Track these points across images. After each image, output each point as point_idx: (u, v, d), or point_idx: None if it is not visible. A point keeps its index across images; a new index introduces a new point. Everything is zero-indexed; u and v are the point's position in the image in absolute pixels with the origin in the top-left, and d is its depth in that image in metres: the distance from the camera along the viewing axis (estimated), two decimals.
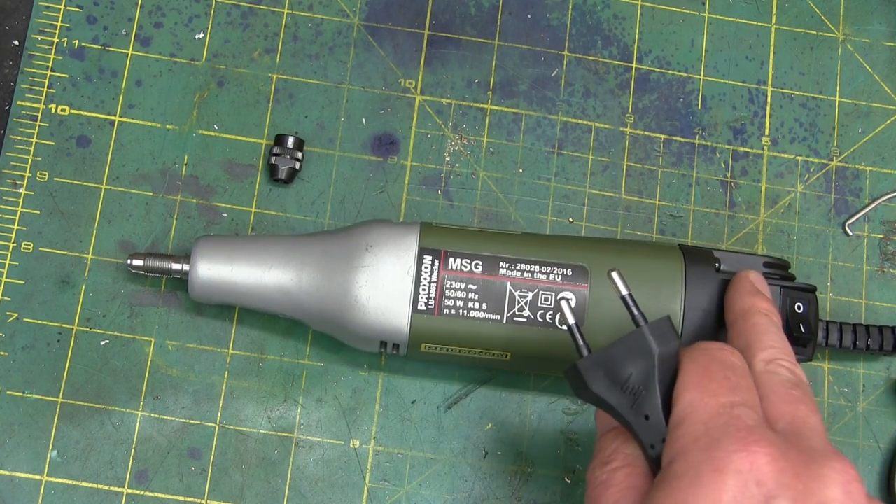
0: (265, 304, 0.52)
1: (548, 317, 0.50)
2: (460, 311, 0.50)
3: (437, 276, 0.51)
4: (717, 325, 0.51)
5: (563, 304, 0.44)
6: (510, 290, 0.51)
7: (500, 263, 0.51)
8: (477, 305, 0.50)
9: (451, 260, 0.51)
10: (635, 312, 0.43)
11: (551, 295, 0.50)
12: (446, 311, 0.50)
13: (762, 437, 0.38)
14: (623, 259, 0.51)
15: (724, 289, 0.50)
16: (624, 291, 0.43)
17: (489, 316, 0.50)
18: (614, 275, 0.44)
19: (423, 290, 0.50)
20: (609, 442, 0.43)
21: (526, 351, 0.51)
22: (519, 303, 0.50)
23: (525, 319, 0.50)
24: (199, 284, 0.52)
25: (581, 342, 0.43)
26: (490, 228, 0.54)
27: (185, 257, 0.53)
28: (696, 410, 0.40)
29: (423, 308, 0.50)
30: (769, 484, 0.37)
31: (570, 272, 0.51)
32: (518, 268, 0.51)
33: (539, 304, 0.50)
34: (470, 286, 0.50)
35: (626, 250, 0.52)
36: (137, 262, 0.53)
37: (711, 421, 0.39)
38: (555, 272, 0.51)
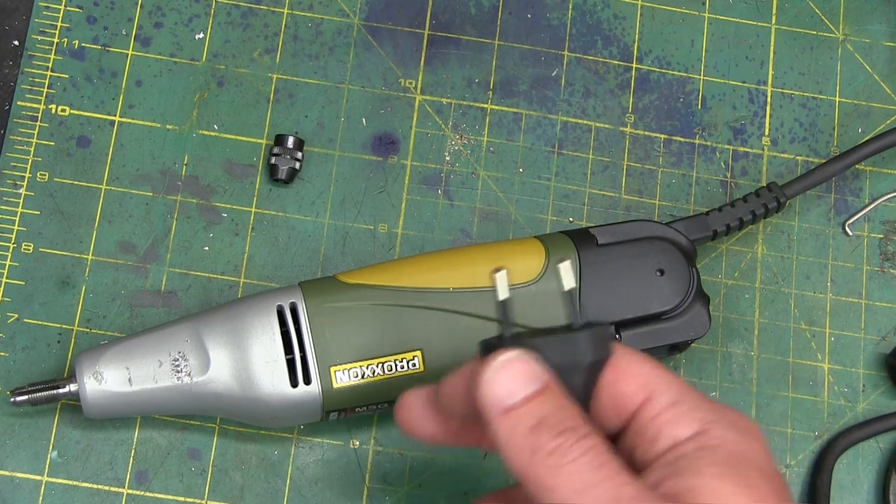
0: (179, 409, 0.50)
1: None
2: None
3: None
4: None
5: (499, 276, 0.39)
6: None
7: None
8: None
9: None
10: (577, 309, 0.38)
11: None
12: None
13: None
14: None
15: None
16: (571, 285, 0.39)
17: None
18: (564, 266, 0.39)
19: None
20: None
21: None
22: None
23: None
24: (94, 402, 0.49)
25: (510, 318, 0.38)
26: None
27: (71, 378, 0.50)
28: None
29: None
30: None
31: None
32: None
33: None
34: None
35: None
36: (21, 398, 0.50)
37: None
38: None
